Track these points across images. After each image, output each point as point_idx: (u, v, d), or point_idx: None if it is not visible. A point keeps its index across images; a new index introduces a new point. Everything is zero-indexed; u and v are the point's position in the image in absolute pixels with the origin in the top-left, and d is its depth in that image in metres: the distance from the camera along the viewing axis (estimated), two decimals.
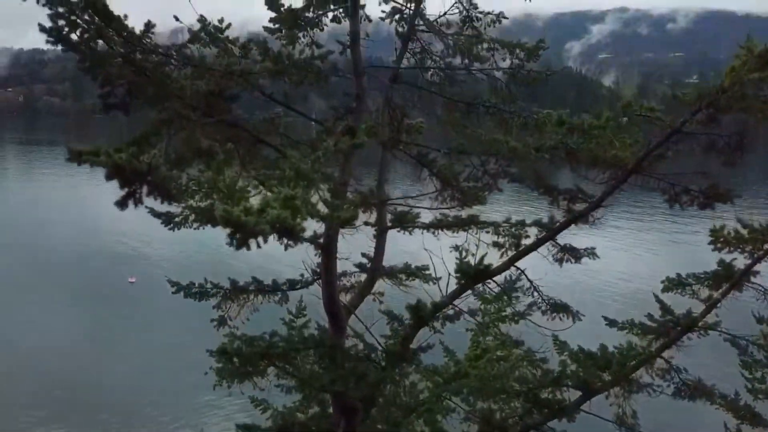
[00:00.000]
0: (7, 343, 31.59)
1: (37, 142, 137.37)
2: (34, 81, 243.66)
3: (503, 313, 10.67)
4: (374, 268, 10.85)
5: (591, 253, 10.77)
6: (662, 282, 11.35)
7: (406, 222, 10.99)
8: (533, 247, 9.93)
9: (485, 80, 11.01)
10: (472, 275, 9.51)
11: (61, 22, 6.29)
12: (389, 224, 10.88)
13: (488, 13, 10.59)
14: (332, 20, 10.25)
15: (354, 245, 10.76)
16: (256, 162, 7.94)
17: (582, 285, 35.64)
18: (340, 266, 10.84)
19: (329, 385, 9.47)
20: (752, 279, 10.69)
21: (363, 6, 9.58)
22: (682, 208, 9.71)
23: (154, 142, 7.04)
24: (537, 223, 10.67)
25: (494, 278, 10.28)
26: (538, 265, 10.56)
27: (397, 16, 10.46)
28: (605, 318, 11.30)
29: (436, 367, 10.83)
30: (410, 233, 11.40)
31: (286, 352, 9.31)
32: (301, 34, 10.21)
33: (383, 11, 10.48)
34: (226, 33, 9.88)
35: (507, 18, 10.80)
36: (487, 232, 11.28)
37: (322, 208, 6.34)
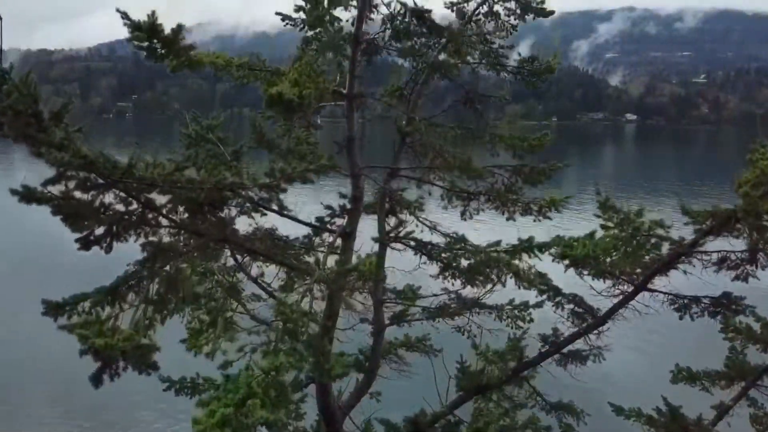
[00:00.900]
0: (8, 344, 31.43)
1: None
2: (42, 81, 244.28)
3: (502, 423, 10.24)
4: (371, 368, 10.46)
5: (597, 354, 10.37)
6: (671, 372, 11.10)
7: (404, 318, 10.64)
8: (537, 360, 9.55)
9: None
10: (473, 390, 9.14)
11: None
12: (387, 322, 10.51)
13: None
14: None
15: (350, 344, 10.37)
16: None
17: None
18: None
19: None
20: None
21: (360, 109, 9.22)
22: (693, 318, 9.40)
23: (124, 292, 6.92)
24: (538, 305, 10.39)
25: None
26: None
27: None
28: (611, 404, 11.01)
29: None
30: (410, 325, 11.10)
31: None
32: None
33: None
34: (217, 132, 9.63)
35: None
36: (490, 314, 11.00)
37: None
